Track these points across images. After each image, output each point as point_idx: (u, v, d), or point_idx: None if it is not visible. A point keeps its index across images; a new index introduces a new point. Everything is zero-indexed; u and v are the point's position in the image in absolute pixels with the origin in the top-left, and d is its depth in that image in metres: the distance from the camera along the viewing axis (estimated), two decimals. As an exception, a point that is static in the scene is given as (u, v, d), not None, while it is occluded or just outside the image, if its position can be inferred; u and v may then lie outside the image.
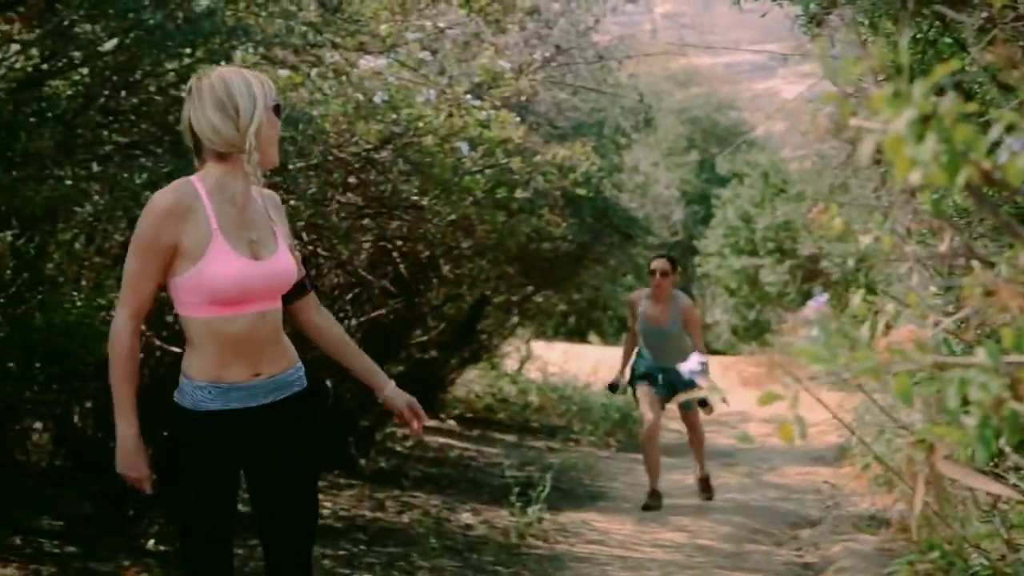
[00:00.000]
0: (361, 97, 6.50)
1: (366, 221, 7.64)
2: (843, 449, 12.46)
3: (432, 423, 13.74)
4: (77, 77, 5.80)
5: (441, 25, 7.49)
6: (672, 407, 9.78)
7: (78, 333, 5.54)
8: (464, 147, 6.72)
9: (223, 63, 5.49)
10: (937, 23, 4.94)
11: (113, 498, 6.69)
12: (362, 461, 10.18)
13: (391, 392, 4.03)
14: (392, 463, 10.76)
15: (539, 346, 19.83)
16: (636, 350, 9.86)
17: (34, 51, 5.65)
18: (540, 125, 10.51)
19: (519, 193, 7.82)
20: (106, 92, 5.74)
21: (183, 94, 3.80)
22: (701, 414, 9.86)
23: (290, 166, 6.13)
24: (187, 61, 5.53)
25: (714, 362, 20.69)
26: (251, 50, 5.99)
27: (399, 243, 8.58)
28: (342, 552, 7.34)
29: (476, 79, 7.50)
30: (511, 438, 13.66)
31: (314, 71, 6.52)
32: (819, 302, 1.92)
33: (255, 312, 3.63)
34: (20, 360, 5.78)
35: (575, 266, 14.67)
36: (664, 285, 9.53)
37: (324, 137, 6.39)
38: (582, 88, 11.69)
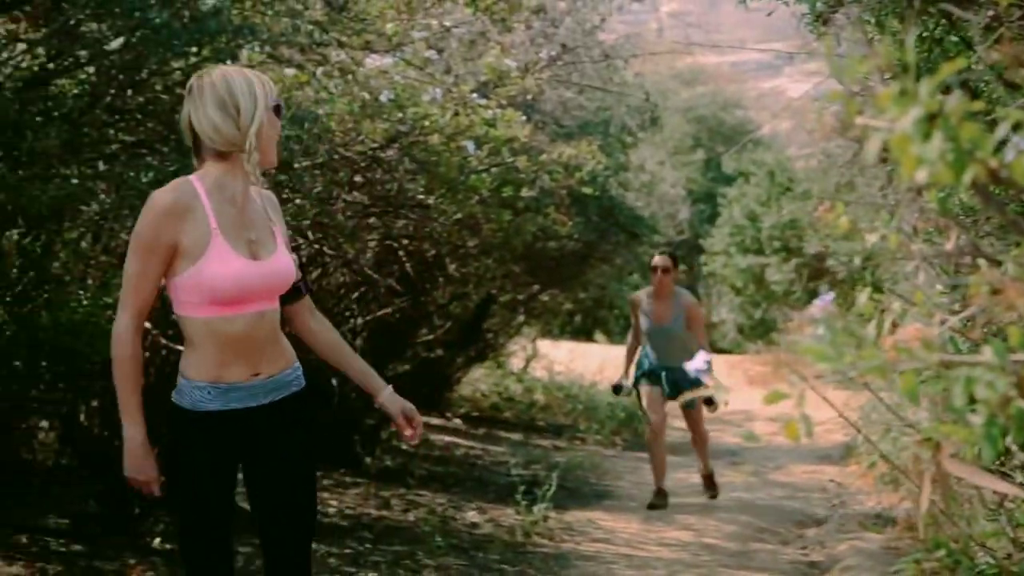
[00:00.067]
0: (367, 96, 6.50)
1: (372, 220, 7.64)
2: (849, 448, 12.45)
3: (438, 422, 13.75)
4: (83, 76, 5.80)
5: (447, 24, 7.49)
6: (674, 405, 9.71)
7: (84, 332, 5.55)
8: (470, 146, 6.72)
9: (229, 62, 5.49)
10: (943, 21, 4.93)
11: (119, 497, 6.70)
12: (368, 459, 10.18)
13: (386, 397, 3.99)
14: (398, 461, 10.77)
15: (545, 345, 19.82)
16: (640, 350, 9.83)
17: (40, 50, 5.66)
18: (546, 124, 10.52)
19: (525, 192, 7.82)
20: (112, 91, 5.75)
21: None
22: (705, 412, 9.84)
23: (296, 165, 6.14)
24: (193, 60, 5.53)
25: (720, 361, 20.68)
26: (257, 49, 6.00)
27: (405, 242, 8.58)
28: (348, 550, 7.34)
29: (482, 78, 7.50)
30: (517, 437, 13.66)
31: (320, 70, 6.52)
32: (825, 301, 1.92)
33: (254, 312, 3.62)
34: (26, 359, 5.79)
35: (581, 265, 14.68)
36: (665, 282, 9.47)
37: (330, 136, 6.39)
38: (588, 87, 11.69)
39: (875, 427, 10.39)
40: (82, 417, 7.04)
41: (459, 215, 7.37)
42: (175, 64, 5.67)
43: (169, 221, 3.51)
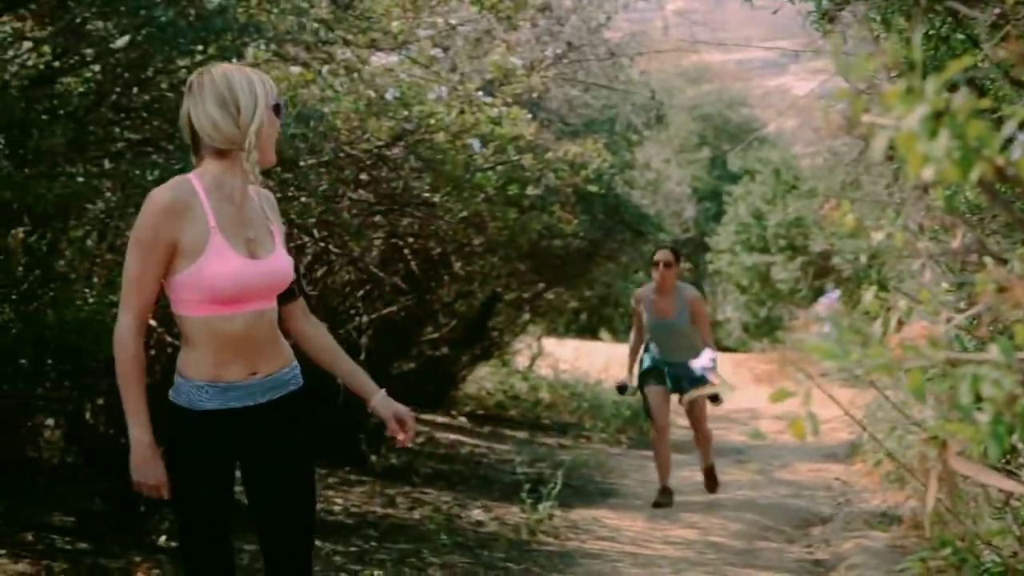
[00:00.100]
0: (373, 94, 6.51)
1: (377, 218, 7.65)
2: (854, 446, 12.45)
3: (443, 420, 13.75)
4: (89, 74, 5.80)
5: (453, 22, 7.49)
6: (676, 401, 9.67)
7: (90, 330, 5.55)
8: (476, 144, 6.73)
9: (235, 60, 5.49)
10: (950, 19, 4.93)
11: (124, 495, 6.70)
12: (373, 457, 10.18)
13: (379, 401, 3.93)
14: (403, 459, 10.77)
15: (550, 343, 19.83)
16: (642, 347, 9.75)
17: (46, 48, 5.66)
18: (552, 122, 10.52)
19: (531, 190, 7.83)
20: (118, 89, 5.75)
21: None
22: (708, 407, 9.79)
23: (301, 163, 6.14)
24: (199, 58, 5.53)
25: (725, 359, 20.70)
26: (263, 47, 6.00)
27: (410, 240, 8.59)
28: (353, 548, 7.34)
29: (488, 76, 7.50)
30: (522, 435, 13.66)
31: (325, 68, 6.53)
32: (831, 299, 1.91)
33: (253, 311, 3.60)
34: (32, 357, 5.79)
35: (586, 263, 14.68)
36: (668, 276, 9.32)
37: (335, 134, 6.39)
38: (594, 85, 11.69)
39: (880, 425, 10.39)
40: (88, 415, 7.05)
41: (464, 213, 7.37)
42: (181, 62, 5.67)
43: (168, 219, 3.49)
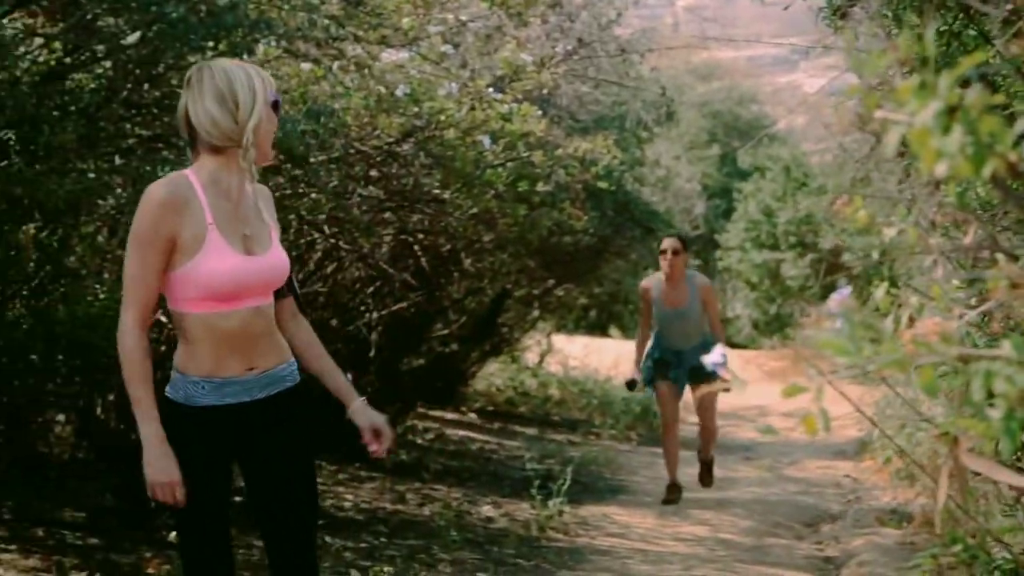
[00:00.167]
0: (383, 90, 6.51)
1: (387, 214, 7.65)
2: (864, 443, 12.43)
3: (453, 416, 13.76)
4: (100, 71, 5.81)
5: (463, 18, 7.50)
6: (690, 392, 9.56)
7: (101, 325, 5.56)
8: (486, 140, 6.72)
9: (246, 56, 5.50)
10: (962, 15, 4.92)
11: (135, 491, 6.71)
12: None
13: (357, 408, 3.89)
14: (413, 456, 10.78)
15: (560, 340, 19.82)
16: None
17: (57, 45, 5.67)
18: (562, 118, 10.50)
19: (541, 186, 7.82)
20: (129, 85, 5.76)
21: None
22: (717, 398, 9.63)
23: (312, 159, 6.15)
24: (210, 54, 5.53)
25: (735, 356, 20.67)
26: (273, 43, 6.01)
27: (420, 236, 8.59)
28: (363, 544, 7.35)
29: (498, 72, 7.49)
30: (532, 431, 13.66)
31: (336, 64, 6.53)
32: (843, 295, 1.91)
33: (250, 307, 3.59)
34: (43, 352, 5.80)
35: (596, 259, 14.66)
36: (676, 264, 9.09)
37: (346, 130, 6.40)
38: (604, 81, 11.67)
39: (890, 422, 10.38)
40: (98, 411, 7.07)
41: (474, 210, 7.37)
42: (192, 59, 5.67)
43: (167, 214, 3.47)
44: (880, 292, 2.00)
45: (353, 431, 3.89)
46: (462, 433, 12.77)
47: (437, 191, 7.16)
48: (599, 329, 25.90)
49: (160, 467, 3.51)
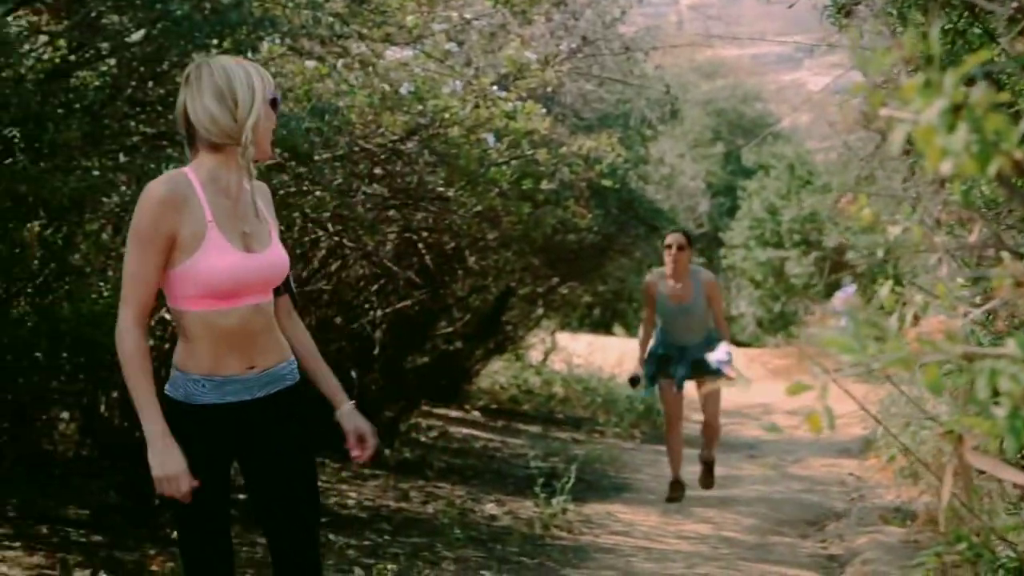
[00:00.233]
0: (387, 88, 6.51)
1: (392, 212, 7.65)
2: (868, 441, 12.44)
3: (457, 414, 13.77)
4: (104, 68, 5.82)
5: (467, 16, 7.50)
6: (690, 390, 9.52)
7: (105, 323, 5.55)
8: (490, 138, 6.72)
9: (250, 53, 5.50)
10: (967, 13, 4.91)
11: (139, 488, 6.72)
12: (387, 451, 10.20)
13: (345, 412, 3.88)
14: (417, 454, 10.78)
15: (564, 337, 19.83)
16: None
17: (62, 42, 5.67)
18: (566, 116, 10.50)
19: (545, 184, 7.82)
20: (133, 83, 5.76)
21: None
22: (722, 401, 9.60)
23: (316, 157, 6.15)
24: (214, 52, 5.54)
25: (739, 354, 20.65)
26: (277, 41, 6.01)
27: (425, 234, 8.60)
28: (366, 542, 7.36)
29: (502, 70, 7.49)
30: (536, 429, 13.66)
31: (340, 62, 6.53)
32: (847, 292, 1.91)
33: (249, 305, 3.58)
34: (47, 350, 5.81)
35: (600, 257, 14.65)
36: (681, 259, 9.04)
37: (350, 128, 6.40)
38: (608, 79, 11.66)
39: (895, 420, 10.38)
40: (103, 408, 7.08)
41: (479, 208, 7.37)
42: (196, 56, 5.67)
43: (167, 211, 3.47)
44: (885, 290, 1.99)
45: (339, 434, 3.89)
46: (466, 431, 12.78)
47: (441, 189, 7.16)
48: (603, 327, 25.91)
49: (165, 459, 3.49)
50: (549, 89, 8.28)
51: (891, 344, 1.79)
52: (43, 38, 5.66)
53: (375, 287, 9.72)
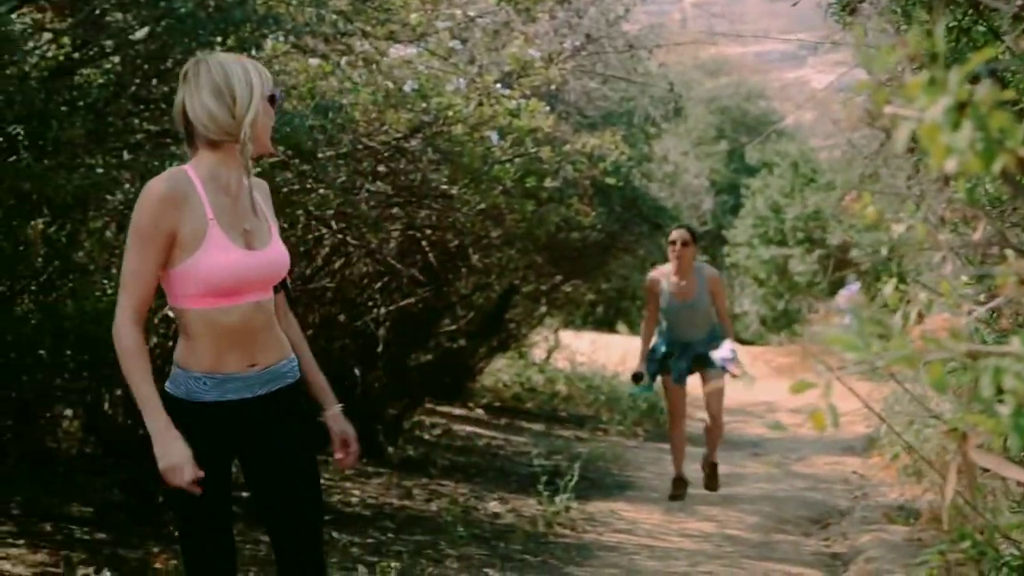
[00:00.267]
0: (391, 86, 6.51)
1: (395, 210, 7.65)
2: (872, 439, 12.42)
3: (460, 412, 13.77)
4: (108, 66, 5.82)
5: (471, 14, 7.49)
6: (695, 387, 9.46)
7: (108, 320, 5.52)
8: (494, 136, 6.72)
9: (254, 51, 5.50)
10: (971, 11, 4.91)
11: (143, 485, 6.73)
12: (390, 449, 10.20)
13: (332, 415, 3.90)
14: (420, 451, 10.78)
15: (567, 335, 19.81)
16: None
17: (66, 40, 5.67)
18: (570, 114, 10.49)
19: (548, 182, 7.81)
20: (137, 81, 5.76)
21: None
22: (726, 379, 9.49)
23: (319, 154, 6.15)
24: (218, 50, 5.54)
25: (742, 352, 20.62)
26: (281, 39, 6.01)
27: (428, 232, 8.59)
28: (370, 540, 7.36)
29: (506, 68, 7.49)
30: (539, 427, 13.66)
31: (344, 60, 6.53)
32: (851, 290, 1.91)
33: (250, 302, 3.58)
34: (51, 347, 5.81)
35: (604, 255, 14.65)
36: (685, 255, 8.96)
37: (354, 126, 6.40)
38: (612, 77, 11.65)
39: (899, 418, 10.37)
40: (106, 406, 7.08)
41: (482, 205, 7.37)
42: (200, 54, 5.68)
43: (167, 209, 3.47)
44: (889, 288, 1.99)
45: (324, 436, 3.89)
46: (469, 429, 12.77)
47: (445, 187, 7.16)
48: (606, 325, 25.90)
49: (170, 451, 3.48)
50: (553, 87, 8.27)
51: (895, 342, 1.79)
52: (47, 35, 5.66)
53: (379, 285, 9.72)
